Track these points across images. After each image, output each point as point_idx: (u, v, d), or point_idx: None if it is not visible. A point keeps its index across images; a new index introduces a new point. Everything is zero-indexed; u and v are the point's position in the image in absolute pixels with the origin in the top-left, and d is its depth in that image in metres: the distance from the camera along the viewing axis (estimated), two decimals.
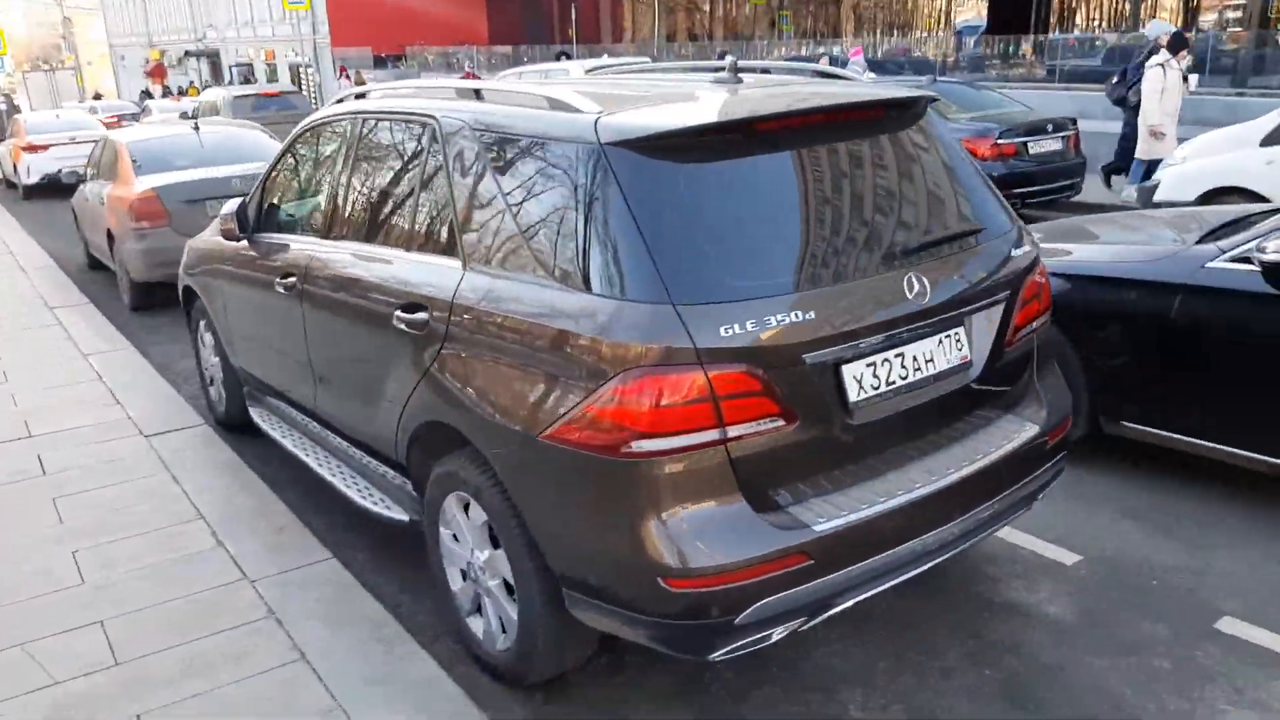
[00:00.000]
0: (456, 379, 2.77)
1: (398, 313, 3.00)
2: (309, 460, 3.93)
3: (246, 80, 40.03)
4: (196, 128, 8.47)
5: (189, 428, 4.89)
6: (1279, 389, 3.64)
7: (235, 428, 4.97)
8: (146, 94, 43.81)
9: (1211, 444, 3.85)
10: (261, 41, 42.13)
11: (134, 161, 7.93)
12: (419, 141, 3.20)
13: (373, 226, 3.40)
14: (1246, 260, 3.72)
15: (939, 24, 25.77)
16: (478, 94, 3.11)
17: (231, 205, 4.25)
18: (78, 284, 8.82)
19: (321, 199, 3.78)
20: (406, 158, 3.29)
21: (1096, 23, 23.46)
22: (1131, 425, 4.08)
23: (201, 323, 5.15)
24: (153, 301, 8.02)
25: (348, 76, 26.15)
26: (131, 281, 7.85)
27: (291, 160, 4.18)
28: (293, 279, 3.73)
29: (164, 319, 7.74)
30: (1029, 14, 24.61)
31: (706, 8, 34.36)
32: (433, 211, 3.06)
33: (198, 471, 4.30)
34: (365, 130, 3.55)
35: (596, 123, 2.52)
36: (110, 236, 8.08)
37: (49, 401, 5.35)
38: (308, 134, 4.05)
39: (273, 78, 39.82)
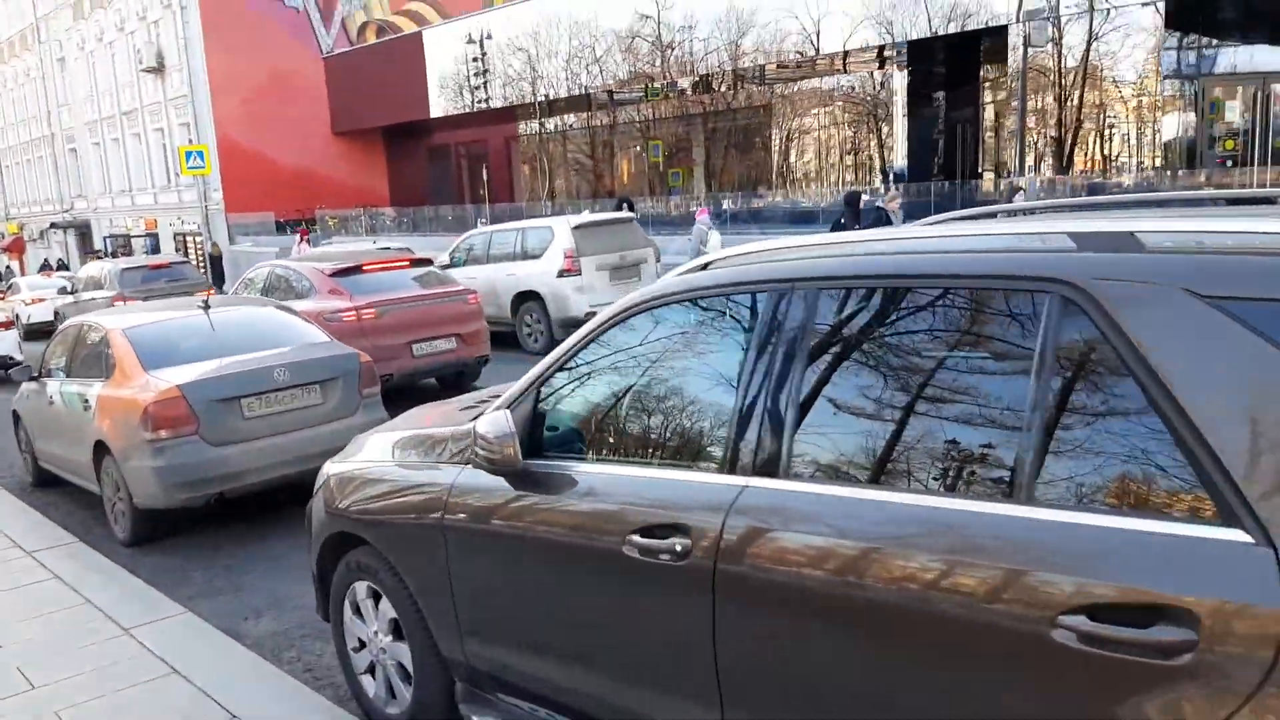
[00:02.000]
0: None
1: (1097, 627, 1.69)
2: None
3: (127, 251, 37.82)
4: (206, 307, 6.89)
5: None
6: None
7: None
8: (7, 269, 40.66)
9: None
10: (141, 210, 39.76)
11: (138, 352, 6.27)
12: (1013, 318, 1.98)
13: (898, 463, 2.09)
14: None
15: (874, 172, 26.42)
16: (1134, 238, 1.92)
17: (496, 422, 2.82)
18: (40, 511, 6.92)
19: (720, 416, 2.44)
20: (975, 347, 2.05)
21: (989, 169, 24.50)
22: None
23: (361, 585, 3.60)
24: (158, 532, 6.24)
25: (309, 241, 24.38)
26: (134, 508, 6.06)
27: (614, 356, 2.83)
28: (675, 540, 2.34)
29: (178, 557, 5.96)
30: (946, 161, 25.42)
31: (605, 169, 34.67)
32: (1091, 438, 1.81)
33: None
34: (823, 307, 2.28)
35: None
36: (101, 450, 6.30)
37: None
38: (645, 317, 2.73)
39: (154, 249, 37.55)
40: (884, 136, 26.98)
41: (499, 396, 3.79)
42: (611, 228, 13.57)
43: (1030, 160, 20.78)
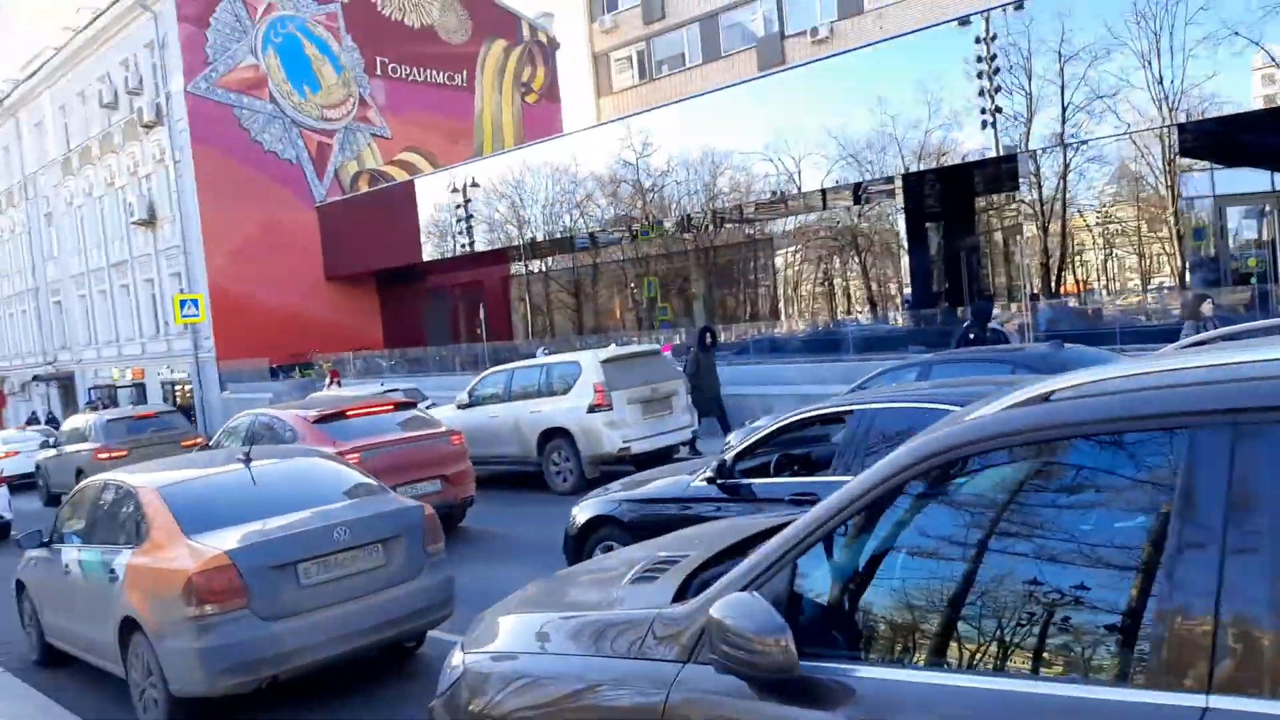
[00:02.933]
0: None
1: None
2: None
3: (111, 403, 36.97)
4: (248, 460, 6.18)
5: None
6: None
7: None
8: None
9: None
10: (128, 360, 39.04)
11: (176, 514, 5.53)
12: None
13: None
14: None
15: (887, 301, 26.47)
16: None
17: (749, 609, 2.09)
18: (48, 694, 6.01)
19: (1133, 603, 1.77)
20: None
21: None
22: None
23: None
24: None
25: (339, 382, 23.47)
26: (169, 695, 5.19)
27: (918, 519, 2.18)
28: None
29: None
30: (952, 287, 25.42)
31: (598, 305, 34.78)
32: None
33: None
34: None
35: None
36: (129, 627, 5.47)
37: None
38: (967, 465, 2.10)
39: (141, 399, 36.67)
40: (868, 268, 27.15)
41: (674, 563, 3.13)
42: (640, 360, 13.12)
43: (1051, 285, 20.77)
